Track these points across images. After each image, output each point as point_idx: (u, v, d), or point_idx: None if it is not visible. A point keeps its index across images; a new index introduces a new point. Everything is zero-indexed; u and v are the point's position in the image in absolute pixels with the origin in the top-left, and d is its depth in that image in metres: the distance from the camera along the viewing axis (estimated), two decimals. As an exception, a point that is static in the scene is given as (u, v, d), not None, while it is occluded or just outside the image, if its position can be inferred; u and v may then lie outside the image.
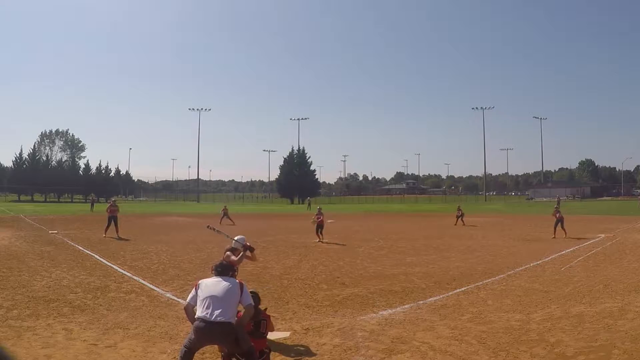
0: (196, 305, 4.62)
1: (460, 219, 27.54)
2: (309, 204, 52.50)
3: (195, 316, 4.54)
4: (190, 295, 4.75)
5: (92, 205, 45.44)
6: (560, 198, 58.14)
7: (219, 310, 4.47)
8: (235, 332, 4.53)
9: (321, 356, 5.55)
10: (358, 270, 11.72)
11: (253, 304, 4.87)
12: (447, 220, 28.79)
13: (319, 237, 18.06)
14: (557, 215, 19.45)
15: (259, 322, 5.16)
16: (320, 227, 18.49)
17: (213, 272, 4.91)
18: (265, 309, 5.57)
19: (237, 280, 4.87)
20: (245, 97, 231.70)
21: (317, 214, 19.01)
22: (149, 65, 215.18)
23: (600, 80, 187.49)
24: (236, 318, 4.69)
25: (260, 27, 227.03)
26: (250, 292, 5.08)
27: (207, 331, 4.43)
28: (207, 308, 4.49)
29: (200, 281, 4.81)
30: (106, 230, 19.37)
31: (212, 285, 4.69)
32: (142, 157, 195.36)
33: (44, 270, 11.29)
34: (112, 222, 19.51)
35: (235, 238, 6.84)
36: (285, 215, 41.27)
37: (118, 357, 5.49)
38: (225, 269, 4.91)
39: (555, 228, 19.30)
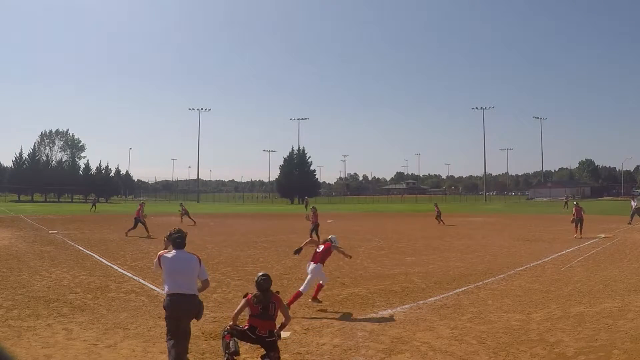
0: (160, 269, 4.89)
1: (438, 217, 27.03)
2: (307, 203, 52.45)
3: (165, 292, 4.81)
4: (155, 265, 5.02)
5: (93, 205, 45.54)
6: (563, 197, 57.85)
7: (185, 284, 4.78)
8: (200, 304, 4.91)
9: (321, 356, 5.54)
10: (358, 270, 11.71)
11: (208, 278, 5.18)
12: (447, 220, 28.74)
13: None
14: (579, 213, 18.56)
15: (267, 304, 5.24)
16: (315, 228, 17.75)
17: (168, 241, 5.02)
18: (277, 292, 5.53)
19: (194, 255, 5.03)
20: (245, 97, 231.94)
21: (312, 214, 18.21)
22: (149, 65, 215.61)
23: (600, 80, 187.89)
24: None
25: (260, 27, 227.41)
26: (262, 274, 5.44)
27: (177, 305, 4.72)
28: (175, 282, 4.76)
29: (160, 254, 4.96)
30: (129, 232, 19.68)
31: (174, 260, 4.87)
32: (142, 157, 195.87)
33: (44, 270, 11.29)
34: (140, 224, 19.96)
35: (330, 237, 8.57)
36: (286, 215, 41.24)
37: (118, 357, 5.48)
38: (183, 239, 5.03)
39: (576, 226, 18.55)
